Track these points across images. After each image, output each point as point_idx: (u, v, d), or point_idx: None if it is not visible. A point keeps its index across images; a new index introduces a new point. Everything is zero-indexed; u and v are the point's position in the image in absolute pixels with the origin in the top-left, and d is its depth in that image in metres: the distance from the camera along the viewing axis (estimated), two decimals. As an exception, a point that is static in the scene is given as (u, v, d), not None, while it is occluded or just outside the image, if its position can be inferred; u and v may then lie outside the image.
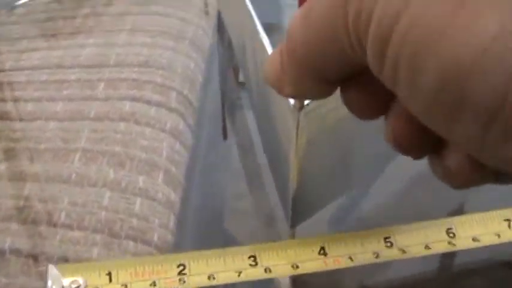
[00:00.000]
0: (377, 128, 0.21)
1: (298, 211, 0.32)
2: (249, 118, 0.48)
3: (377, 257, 0.30)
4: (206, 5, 0.56)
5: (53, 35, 0.51)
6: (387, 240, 0.30)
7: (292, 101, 0.27)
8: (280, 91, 0.22)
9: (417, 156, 0.20)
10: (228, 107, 0.51)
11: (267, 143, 0.40)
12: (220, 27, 0.54)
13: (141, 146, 0.40)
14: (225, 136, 0.47)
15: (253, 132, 0.46)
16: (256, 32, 0.33)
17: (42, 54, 0.48)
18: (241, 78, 0.53)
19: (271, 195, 0.43)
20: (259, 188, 0.44)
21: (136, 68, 0.46)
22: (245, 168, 0.46)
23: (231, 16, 0.48)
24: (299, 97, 0.26)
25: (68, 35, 0.50)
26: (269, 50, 0.31)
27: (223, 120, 0.49)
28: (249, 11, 0.35)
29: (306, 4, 0.19)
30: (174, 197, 0.38)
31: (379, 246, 0.30)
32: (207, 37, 0.53)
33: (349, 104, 0.21)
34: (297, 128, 0.28)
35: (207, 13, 0.55)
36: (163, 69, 0.46)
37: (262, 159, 0.43)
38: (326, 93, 0.21)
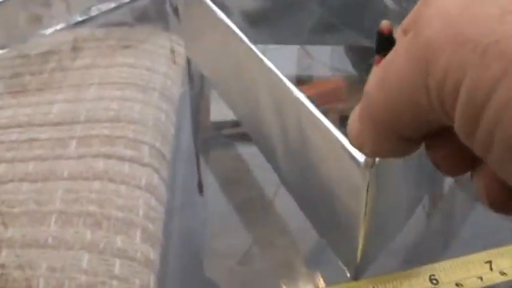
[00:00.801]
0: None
1: (364, 262, 0.33)
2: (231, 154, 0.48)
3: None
4: (173, 53, 0.57)
5: (21, 92, 0.50)
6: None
7: (361, 158, 0.28)
8: (360, 150, 0.21)
9: None
10: (202, 149, 0.51)
11: (306, 199, 0.40)
12: (190, 76, 0.54)
13: (116, 205, 0.40)
14: (200, 190, 0.48)
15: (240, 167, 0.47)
16: (285, 88, 0.34)
17: (10, 113, 0.48)
18: (212, 118, 0.54)
19: (249, 233, 0.43)
20: (237, 227, 0.44)
21: (107, 123, 0.46)
22: (227, 205, 0.46)
23: (220, 66, 0.48)
24: (380, 156, 0.25)
25: (36, 91, 0.50)
26: (308, 104, 0.32)
27: (198, 172, 0.49)
28: (266, 66, 0.36)
29: (381, 66, 0.19)
30: (153, 255, 0.38)
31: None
32: (176, 87, 0.53)
33: (435, 161, 0.20)
34: (368, 185, 0.28)
35: (174, 62, 0.56)
36: (135, 124, 0.46)
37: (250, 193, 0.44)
38: (408, 151, 0.20)
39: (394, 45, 0.19)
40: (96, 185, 0.41)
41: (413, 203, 0.40)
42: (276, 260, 0.42)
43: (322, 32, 0.51)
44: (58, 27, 0.58)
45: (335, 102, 0.50)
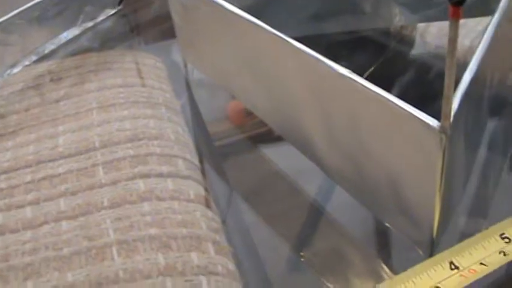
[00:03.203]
0: None
1: (439, 236, 0.31)
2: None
3: (504, 254, 0.29)
4: (140, 72, 0.53)
5: (12, 132, 0.45)
6: (503, 236, 0.30)
7: (435, 123, 0.26)
8: None
9: None
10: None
11: (362, 186, 0.36)
12: (188, 85, 0.51)
13: (176, 222, 0.36)
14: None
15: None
16: (325, 66, 0.32)
17: (9, 155, 0.43)
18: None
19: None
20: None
21: (128, 143, 0.42)
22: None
23: (232, 64, 0.45)
24: None
25: (29, 128, 0.45)
26: (359, 80, 0.29)
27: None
28: (296, 47, 0.33)
29: None
30: (231, 265, 0.35)
31: (499, 244, 0.29)
32: (174, 99, 0.50)
33: None
34: (444, 151, 0.26)
35: (141, 77, 0.52)
36: (157, 139, 0.42)
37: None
38: None
39: None
40: (146, 206, 0.37)
41: (471, 164, 0.39)
42: (332, 254, 0.40)
43: (320, 21, 0.49)
44: (26, 62, 0.53)
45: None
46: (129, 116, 0.44)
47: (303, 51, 0.34)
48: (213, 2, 0.42)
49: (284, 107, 0.40)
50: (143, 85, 0.49)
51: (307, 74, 0.35)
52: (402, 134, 0.29)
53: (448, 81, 0.26)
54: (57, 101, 0.48)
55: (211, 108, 0.52)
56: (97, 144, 0.42)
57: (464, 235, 0.34)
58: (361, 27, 0.51)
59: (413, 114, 0.28)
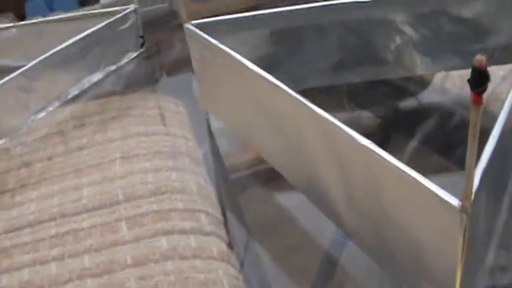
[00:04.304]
0: None
1: None
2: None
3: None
4: (163, 117, 0.54)
5: (36, 182, 0.46)
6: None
7: (456, 202, 0.26)
8: None
9: None
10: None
11: (382, 251, 0.36)
12: (210, 132, 0.52)
13: (199, 281, 0.36)
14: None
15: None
16: (348, 136, 0.32)
17: (34, 207, 0.44)
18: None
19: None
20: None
21: (151, 197, 0.42)
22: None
23: (251, 118, 0.45)
24: None
25: (53, 179, 0.46)
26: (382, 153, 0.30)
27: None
28: (320, 115, 0.34)
29: None
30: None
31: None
32: (197, 148, 0.50)
33: None
34: (465, 229, 0.26)
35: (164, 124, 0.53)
36: (180, 193, 0.43)
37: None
38: None
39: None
40: (169, 265, 0.37)
41: (493, 228, 0.39)
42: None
43: (341, 71, 0.50)
44: (50, 108, 0.54)
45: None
46: (151, 168, 0.45)
47: (324, 118, 0.35)
48: (232, 56, 0.43)
49: (302, 165, 0.40)
50: (166, 133, 0.50)
51: (328, 140, 0.35)
52: (423, 208, 0.29)
53: (469, 162, 0.26)
54: (81, 149, 0.49)
55: (230, 143, 0.53)
56: (120, 198, 0.43)
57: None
58: (382, 76, 0.51)
59: (434, 192, 0.28)
